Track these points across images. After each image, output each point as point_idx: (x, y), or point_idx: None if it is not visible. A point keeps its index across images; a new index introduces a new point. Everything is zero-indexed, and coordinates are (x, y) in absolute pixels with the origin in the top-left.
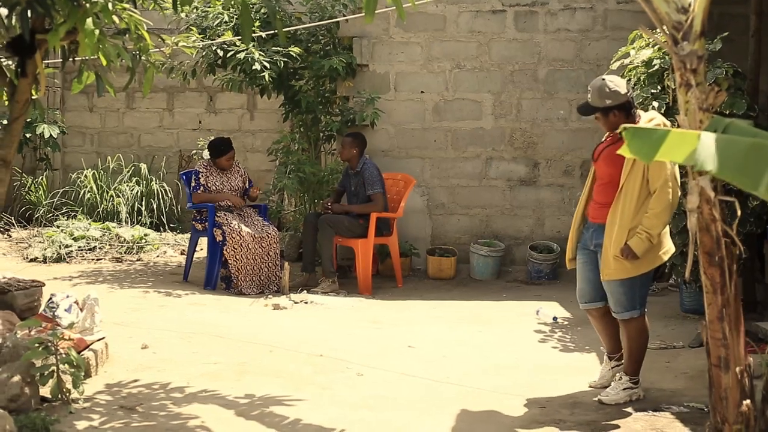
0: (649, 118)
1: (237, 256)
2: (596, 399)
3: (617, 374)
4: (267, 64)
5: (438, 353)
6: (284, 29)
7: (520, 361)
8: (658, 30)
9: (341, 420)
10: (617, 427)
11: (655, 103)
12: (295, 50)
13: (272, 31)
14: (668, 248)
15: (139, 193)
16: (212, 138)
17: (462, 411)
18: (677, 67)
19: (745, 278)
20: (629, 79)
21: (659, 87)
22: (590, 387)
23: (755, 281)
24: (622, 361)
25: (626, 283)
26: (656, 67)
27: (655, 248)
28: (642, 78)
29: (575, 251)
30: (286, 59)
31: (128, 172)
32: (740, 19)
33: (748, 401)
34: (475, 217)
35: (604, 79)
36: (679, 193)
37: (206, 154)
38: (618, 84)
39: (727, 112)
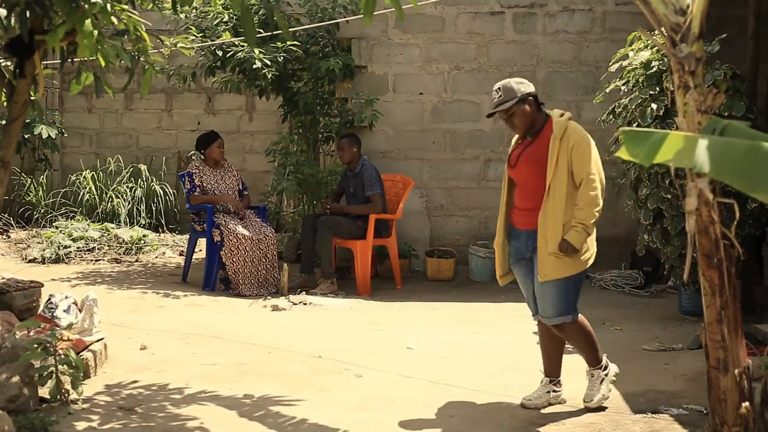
0: (560, 113)
1: (234, 258)
2: (585, 406)
3: (586, 376)
4: (268, 62)
5: (437, 354)
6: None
7: (518, 363)
8: (656, 32)
9: (340, 421)
10: (616, 429)
11: (654, 105)
12: (295, 44)
13: (272, 33)
14: (594, 251)
15: (138, 194)
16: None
17: (461, 412)
18: (675, 69)
19: (744, 280)
20: (627, 81)
21: (657, 89)
22: (522, 405)
23: (754, 283)
24: (559, 387)
25: (561, 284)
26: (654, 69)
27: (586, 250)
28: (640, 80)
29: (507, 266)
30: (285, 54)
31: (127, 173)
32: (738, 21)
33: (747, 403)
34: (474, 219)
35: (509, 79)
36: (604, 183)
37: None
38: (524, 80)
39: (726, 114)
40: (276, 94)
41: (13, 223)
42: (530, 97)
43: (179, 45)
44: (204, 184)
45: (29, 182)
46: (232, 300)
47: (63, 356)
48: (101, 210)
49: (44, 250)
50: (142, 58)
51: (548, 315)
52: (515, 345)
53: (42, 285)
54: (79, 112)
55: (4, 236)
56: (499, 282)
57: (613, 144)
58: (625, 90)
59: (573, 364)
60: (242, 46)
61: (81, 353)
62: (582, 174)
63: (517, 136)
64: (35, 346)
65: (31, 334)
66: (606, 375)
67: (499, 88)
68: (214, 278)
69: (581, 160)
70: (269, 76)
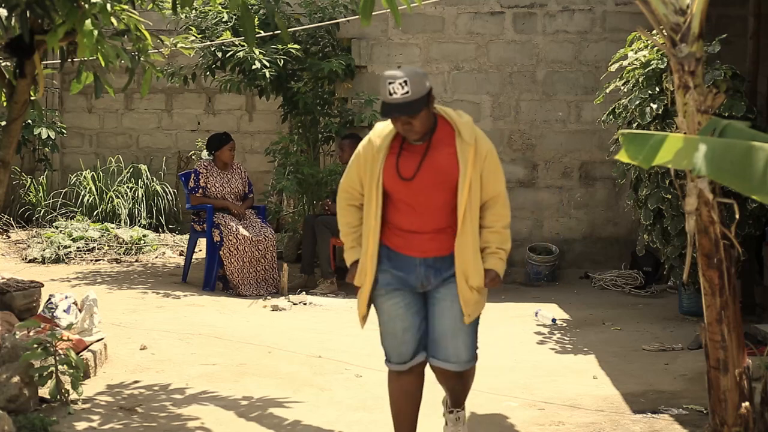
0: (454, 112)
1: (233, 259)
2: None
3: (449, 417)
4: (267, 63)
5: None
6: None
7: (518, 363)
8: (656, 32)
9: (340, 421)
10: (616, 429)
11: (654, 105)
12: (294, 47)
13: (271, 33)
14: None
15: (138, 194)
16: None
17: None
18: (675, 69)
19: (744, 280)
20: (627, 81)
21: (657, 89)
22: None
23: (754, 283)
24: None
25: (476, 321)
26: (654, 69)
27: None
28: (640, 80)
29: (370, 299)
30: (285, 57)
31: (127, 173)
32: (739, 21)
33: (747, 403)
34: None
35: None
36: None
37: (205, 154)
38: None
39: (726, 114)
40: (276, 94)
41: (13, 223)
42: (432, 93)
43: (179, 45)
44: (208, 185)
45: (29, 182)
46: (232, 300)
47: (63, 356)
48: (101, 210)
49: (44, 250)
50: (142, 58)
51: (462, 359)
52: (515, 345)
53: (42, 285)
54: (79, 112)
55: (4, 236)
56: (361, 323)
57: (613, 144)
58: (625, 90)
59: (573, 364)
60: (242, 46)
61: (81, 353)
62: (495, 190)
63: (383, 136)
64: (35, 346)
65: (31, 334)
66: (464, 415)
67: (405, 81)
68: (214, 278)
69: (494, 174)
70: (268, 76)
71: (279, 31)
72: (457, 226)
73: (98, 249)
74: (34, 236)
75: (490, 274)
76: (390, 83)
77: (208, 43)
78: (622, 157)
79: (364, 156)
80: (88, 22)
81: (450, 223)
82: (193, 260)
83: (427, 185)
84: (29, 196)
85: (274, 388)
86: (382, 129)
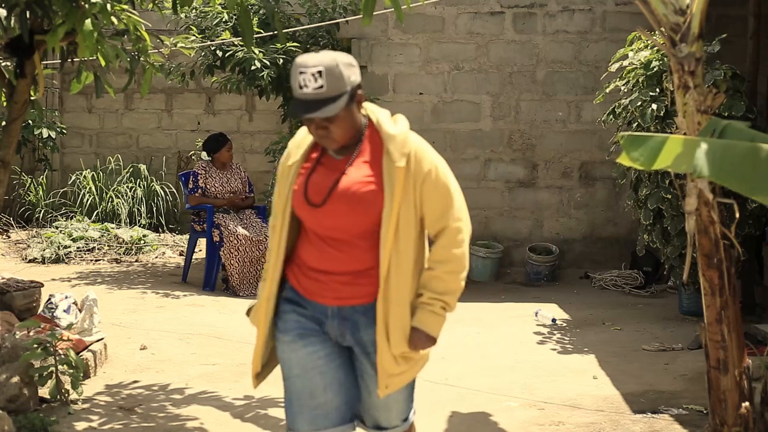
0: (386, 115)
1: (233, 259)
2: None
3: None
4: (267, 63)
5: (436, 354)
6: (283, 30)
7: (518, 363)
8: (656, 32)
9: None
10: (616, 429)
11: (654, 106)
12: (294, 45)
13: (271, 33)
14: None
15: (138, 194)
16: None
17: (460, 412)
18: (675, 69)
19: (744, 280)
20: (627, 81)
21: (657, 89)
22: None
23: (754, 283)
24: None
25: (410, 384)
26: (655, 69)
27: None
28: (640, 80)
29: (268, 349)
30: (285, 57)
31: (127, 173)
32: (739, 21)
33: (747, 403)
34: (474, 219)
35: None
36: (470, 229)
37: (204, 155)
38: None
39: (726, 114)
40: (276, 94)
41: (13, 223)
42: (360, 90)
43: (179, 45)
44: (208, 186)
45: (29, 182)
46: (231, 300)
47: (63, 356)
48: (101, 210)
49: (44, 250)
50: (142, 58)
51: (393, 425)
52: (515, 345)
53: (42, 285)
54: (79, 112)
55: (4, 236)
56: (253, 384)
57: (613, 144)
58: (625, 90)
59: (573, 364)
60: (242, 46)
61: (81, 353)
62: (442, 221)
63: (301, 146)
64: (35, 346)
65: (31, 334)
66: None
67: (319, 72)
68: (213, 278)
69: (439, 201)
70: (266, 77)
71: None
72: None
73: (98, 249)
74: (34, 236)
75: (415, 337)
76: (300, 73)
77: (208, 43)
78: (623, 160)
79: (281, 171)
80: (88, 22)
81: (375, 263)
82: (193, 260)
83: (340, 214)
84: (29, 196)
85: (274, 388)
86: (302, 137)
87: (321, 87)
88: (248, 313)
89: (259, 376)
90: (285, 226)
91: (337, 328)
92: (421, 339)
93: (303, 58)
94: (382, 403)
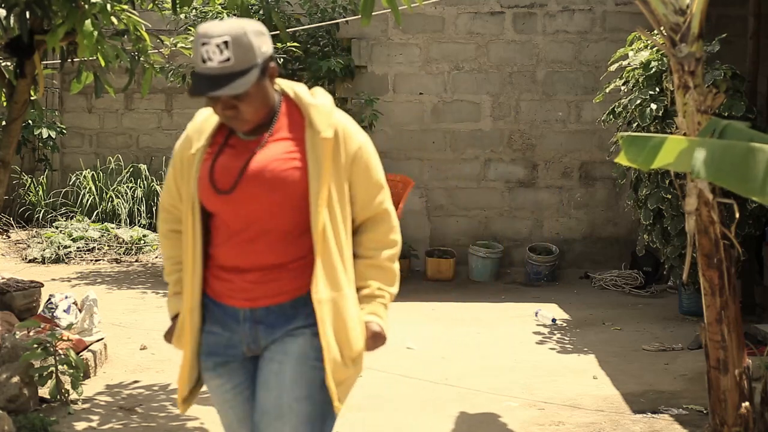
0: (306, 90)
1: None
2: None
3: None
4: None
5: (436, 354)
6: (287, 30)
7: (518, 363)
8: (656, 32)
9: (339, 421)
10: (616, 429)
11: (654, 106)
12: (294, 45)
13: (271, 33)
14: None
15: (138, 194)
16: None
17: (460, 412)
18: (675, 69)
19: (744, 280)
20: (627, 81)
21: (657, 89)
22: None
23: (754, 283)
24: None
25: (324, 407)
26: (654, 69)
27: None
28: (640, 80)
29: (196, 376)
30: (285, 56)
31: (127, 173)
32: (738, 21)
33: (747, 403)
34: (474, 219)
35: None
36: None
37: None
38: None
39: (726, 114)
40: None
41: (13, 223)
42: (273, 63)
43: (179, 45)
44: None
45: (29, 182)
46: None
47: (63, 356)
48: (101, 210)
49: (44, 250)
50: (142, 58)
51: None
52: (515, 345)
53: (42, 285)
54: (79, 112)
55: (4, 236)
56: (180, 409)
57: (613, 144)
58: (625, 90)
59: (573, 364)
60: None
61: (81, 353)
62: (374, 204)
63: (202, 129)
64: (35, 346)
65: (31, 334)
66: None
67: (224, 42)
68: None
69: (370, 181)
70: None
71: (278, 31)
72: (303, 257)
73: (98, 249)
74: (34, 236)
75: (371, 328)
76: (203, 44)
77: None
78: (622, 160)
79: (180, 159)
80: (88, 22)
81: (296, 254)
82: None
83: (255, 198)
84: (29, 196)
85: None
86: (203, 119)
87: (228, 60)
88: (167, 337)
89: (187, 400)
90: (197, 223)
91: (249, 334)
92: (375, 332)
93: (205, 27)
94: (276, 412)
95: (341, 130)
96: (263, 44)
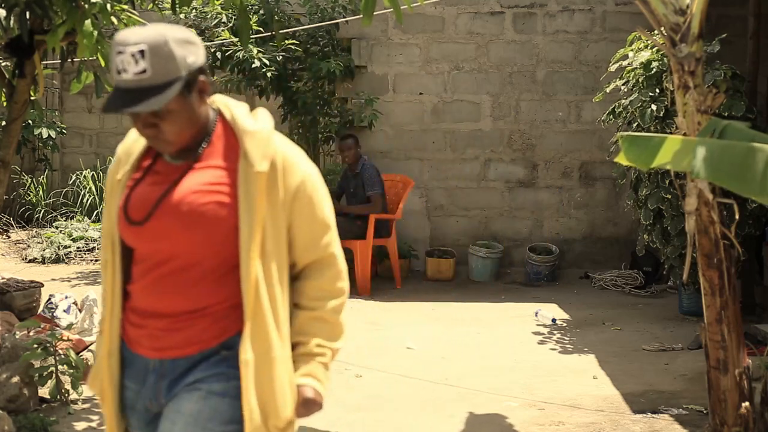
0: (243, 109)
1: None
2: None
3: None
4: (267, 62)
5: (436, 354)
6: (283, 30)
7: (518, 363)
8: (656, 32)
9: (340, 421)
10: (616, 429)
11: (654, 106)
12: (294, 43)
13: (271, 33)
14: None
15: None
16: None
17: (460, 412)
18: (675, 69)
19: (744, 280)
20: (627, 81)
21: (657, 89)
22: None
23: (754, 283)
24: None
25: None
26: (654, 70)
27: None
28: (640, 80)
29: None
30: (285, 54)
31: None
32: (739, 21)
33: (747, 403)
34: (474, 219)
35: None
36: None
37: None
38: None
39: (726, 114)
40: (276, 94)
41: (13, 223)
42: (203, 76)
43: None
44: None
45: (29, 182)
46: None
47: (63, 356)
48: (101, 210)
49: (44, 250)
50: None
51: None
52: (515, 345)
53: (42, 285)
54: (79, 112)
55: (4, 236)
56: None
57: (613, 144)
58: (625, 90)
59: (573, 364)
60: (241, 46)
61: (81, 353)
62: (321, 248)
63: (132, 150)
64: (35, 346)
65: (31, 334)
66: None
67: (141, 51)
68: None
69: (315, 220)
70: (269, 75)
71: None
72: (226, 300)
73: (98, 249)
74: (34, 236)
75: (303, 394)
76: (118, 53)
77: (208, 43)
78: (622, 159)
79: (110, 184)
80: (88, 22)
81: (218, 297)
82: None
83: (170, 233)
84: (29, 196)
85: None
86: (133, 140)
87: (143, 71)
88: (84, 377)
89: None
90: (116, 257)
91: (151, 389)
92: (309, 398)
93: (123, 34)
94: None
95: (280, 160)
96: (189, 54)
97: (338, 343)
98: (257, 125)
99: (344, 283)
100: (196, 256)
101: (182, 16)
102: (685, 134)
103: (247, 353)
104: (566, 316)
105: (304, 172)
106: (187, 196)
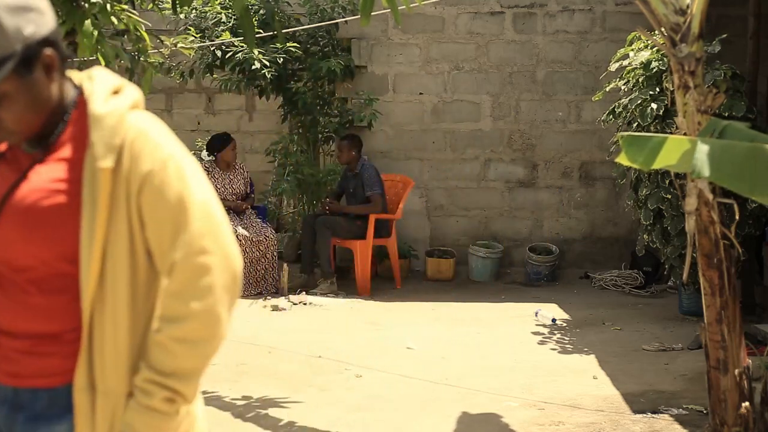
0: (108, 87)
1: None
2: None
3: None
4: (267, 62)
5: (436, 354)
6: (283, 30)
7: (518, 363)
8: (656, 32)
9: (339, 421)
10: (616, 429)
11: (654, 106)
12: (294, 45)
13: (271, 33)
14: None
15: None
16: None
17: (460, 412)
18: (675, 69)
19: (744, 280)
20: (627, 81)
21: (658, 89)
22: None
23: (754, 283)
24: None
25: None
26: (654, 69)
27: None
28: (640, 80)
29: None
30: (285, 55)
31: None
32: (739, 21)
33: (747, 403)
34: (474, 219)
35: None
36: (235, 260)
37: (205, 155)
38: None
39: (726, 114)
40: (276, 94)
41: None
42: (48, 49)
43: (179, 45)
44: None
45: None
46: None
47: None
48: None
49: None
50: (142, 58)
51: None
52: (515, 345)
53: None
54: None
55: None
56: None
57: (613, 144)
58: (625, 90)
59: (573, 364)
60: (242, 46)
61: None
62: (173, 252)
63: None
64: None
65: None
66: None
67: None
68: None
69: (168, 216)
70: (269, 75)
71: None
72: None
73: None
74: None
75: None
76: None
77: (208, 42)
78: (622, 159)
79: None
80: (88, 22)
81: (75, 322)
82: None
83: (11, 241)
84: None
85: (274, 388)
86: None
87: None
88: None
89: None
90: None
91: (4, 421)
92: None
93: None
94: None
95: (128, 147)
96: (27, 24)
97: (177, 379)
98: (107, 107)
99: (202, 303)
100: (38, 269)
101: (182, 15)
102: (685, 134)
103: (78, 382)
104: (566, 316)
105: (156, 160)
106: (28, 197)
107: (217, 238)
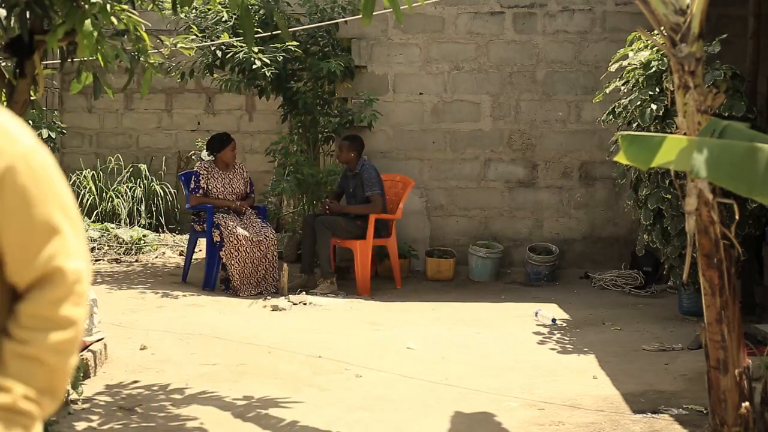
0: None
1: (234, 259)
2: None
3: None
4: (267, 61)
5: (436, 354)
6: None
7: (518, 363)
8: (656, 32)
9: (339, 421)
10: (616, 429)
11: (654, 106)
12: (293, 44)
13: (271, 33)
14: None
15: (138, 194)
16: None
17: (460, 412)
18: (675, 69)
19: (744, 280)
20: (627, 81)
21: (657, 89)
22: None
23: (754, 283)
24: None
25: None
26: (654, 69)
27: None
28: (640, 80)
29: None
30: (285, 54)
31: (127, 172)
32: (739, 21)
33: (747, 403)
34: (474, 219)
35: None
36: (87, 273)
37: (205, 154)
38: None
39: (726, 114)
40: (276, 94)
41: None
42: None
43: (179, 45)
44: (209, 187)
45: None
46: (232, 300)
47: None
48: (101, 210)
49: None
50: (141, 58)
51: None
52: (515, 345)
53: None
54: (79, 112)
55: None
56: None
57: (613, 144)
58: (625, 90)
59: (573, 364)
60: (242, 46)
61: (81, 353)
62: (39, 262)
63: None
64: None
65: None
66: None
67: None
68: (213, 278)
69: (29, 220)
70: (269, 74)
71: (279, 31)
72: None
73: (98, 249)
74: None
75: None
76: None
77: (208, 42)
78: (622, 159)
79: None
80: (87, 22)
81: None
82: (193, 260)
83: None
84: None
85: (274, 388)
86: None
87: None
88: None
89: None
90: None
91: None
92: None
93: None
94: None
95: None
96: None
97: (49, 395)
98: None
99: (76, 310)
100: None
101: (182, 15)
102: (685, 134)
103: None
104: (566, 316)
105: (12, 156)
106: None
107: (81, 243)
